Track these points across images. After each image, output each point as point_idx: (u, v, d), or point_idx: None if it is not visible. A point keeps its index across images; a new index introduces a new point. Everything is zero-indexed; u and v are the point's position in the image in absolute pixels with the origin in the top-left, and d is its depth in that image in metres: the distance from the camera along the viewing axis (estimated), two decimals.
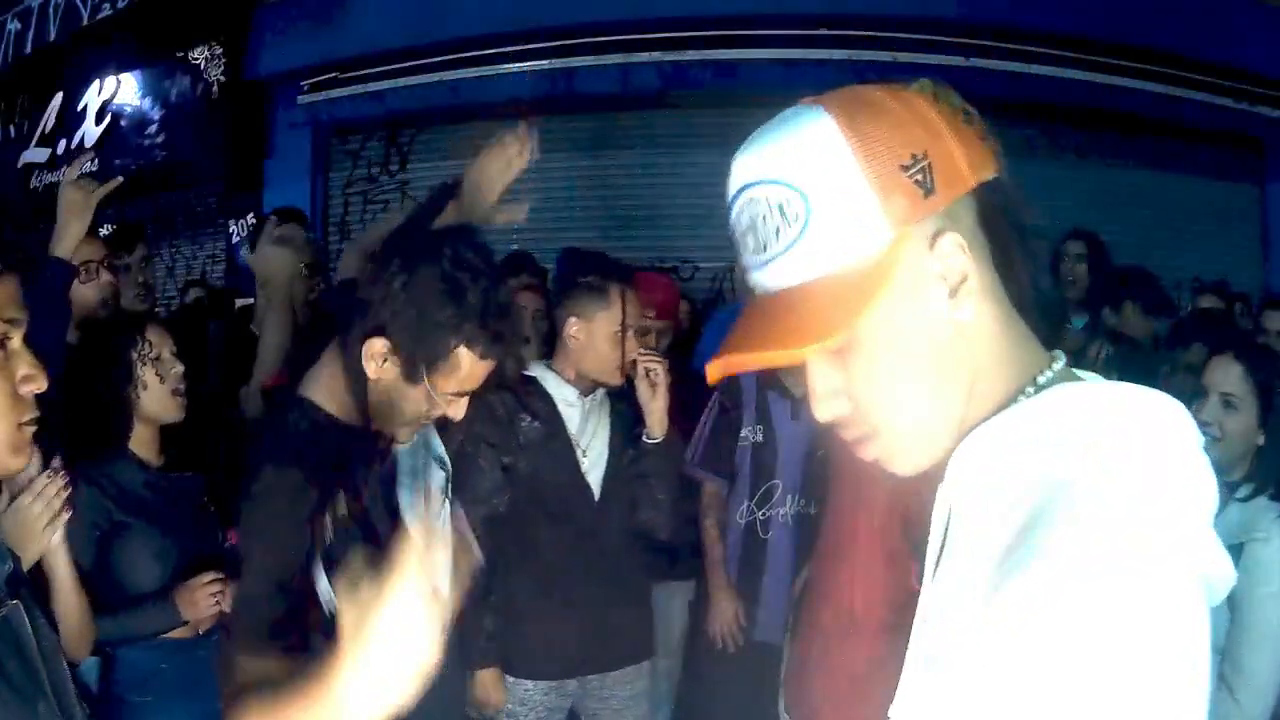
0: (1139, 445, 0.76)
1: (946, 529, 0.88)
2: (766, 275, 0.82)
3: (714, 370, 0.80)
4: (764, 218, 0.80)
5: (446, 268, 1.59)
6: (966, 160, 0.80)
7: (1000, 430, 0.82)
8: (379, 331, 1.61)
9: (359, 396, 1.68)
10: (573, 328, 2.65)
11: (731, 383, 3.14)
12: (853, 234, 0.78)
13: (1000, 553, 0.77)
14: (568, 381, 2.74)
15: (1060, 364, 0.85)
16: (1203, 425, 2.10)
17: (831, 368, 0.83)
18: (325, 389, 1.72)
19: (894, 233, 0.78)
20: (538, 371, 2.75)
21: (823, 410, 0.85)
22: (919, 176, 0.78)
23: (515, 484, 2.67)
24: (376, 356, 1.61)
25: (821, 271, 0.79)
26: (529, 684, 2.73)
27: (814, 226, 0.78)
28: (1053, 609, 0.69)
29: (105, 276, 2.84)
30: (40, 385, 1.18)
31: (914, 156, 0.78)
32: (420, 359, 1.60)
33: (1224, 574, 0.77)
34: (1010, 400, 0.83)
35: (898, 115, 0.80)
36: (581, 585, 2.74)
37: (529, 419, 2.69)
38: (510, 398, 2.66)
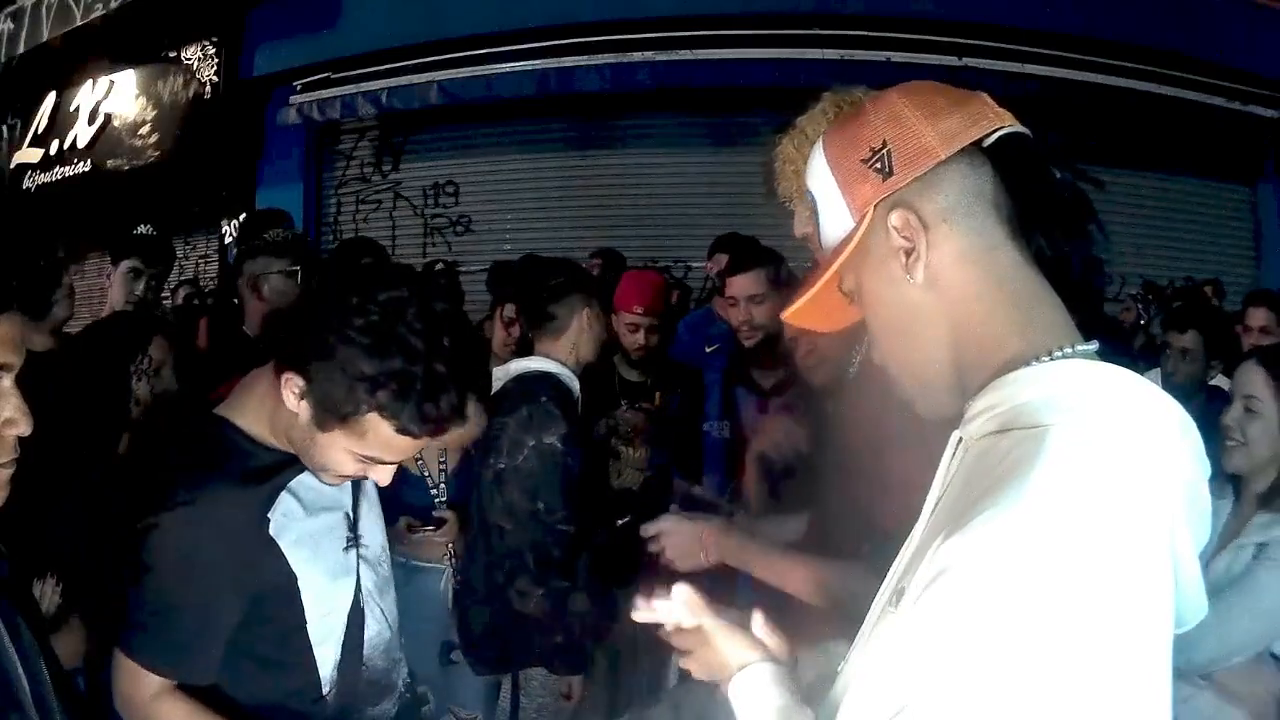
0: (1099, 430, 0.76)
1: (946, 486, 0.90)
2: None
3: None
4: (809, 204, 1.01)
5: (387, 321, 1.42)
6: (936, 135, 0.89)
7: (988, 398, 0.86)
8: (299, 366, 1.46)
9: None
10: (586, 317, 2.76)
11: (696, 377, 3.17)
12: (834, 219, 0.96)
13: (945, 522, 0.78)
14: (570, 370, 2.79)
15: (1084, 346, 0.85)
16: (1226, 430, 2.10)
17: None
18: (251, 409, 1.61)
19: (859, 215, 0.93)
20: (553, 367, 2.76)
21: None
22: (878, 164, 0.91)
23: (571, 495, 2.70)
24: (292, 391, 1.48)
25: (828, 245, 0.97)
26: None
27: (820, 217, 0.98)
28: (965, 606, 0.70)
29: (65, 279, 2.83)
30: (23, 430, 1.12)
31: (872, 149, 0.92)
32: (329, 411, 1.45)
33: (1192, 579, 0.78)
34: (1015, 368, 0.85)
35: (863, 117, 0.94)
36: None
37: (576, 416, 2.75)
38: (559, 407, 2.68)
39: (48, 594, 1.96)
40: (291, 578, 1.58)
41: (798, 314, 1.00)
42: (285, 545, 1.57)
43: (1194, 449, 0.80)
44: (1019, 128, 0.90)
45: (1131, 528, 0.71)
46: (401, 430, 1.44)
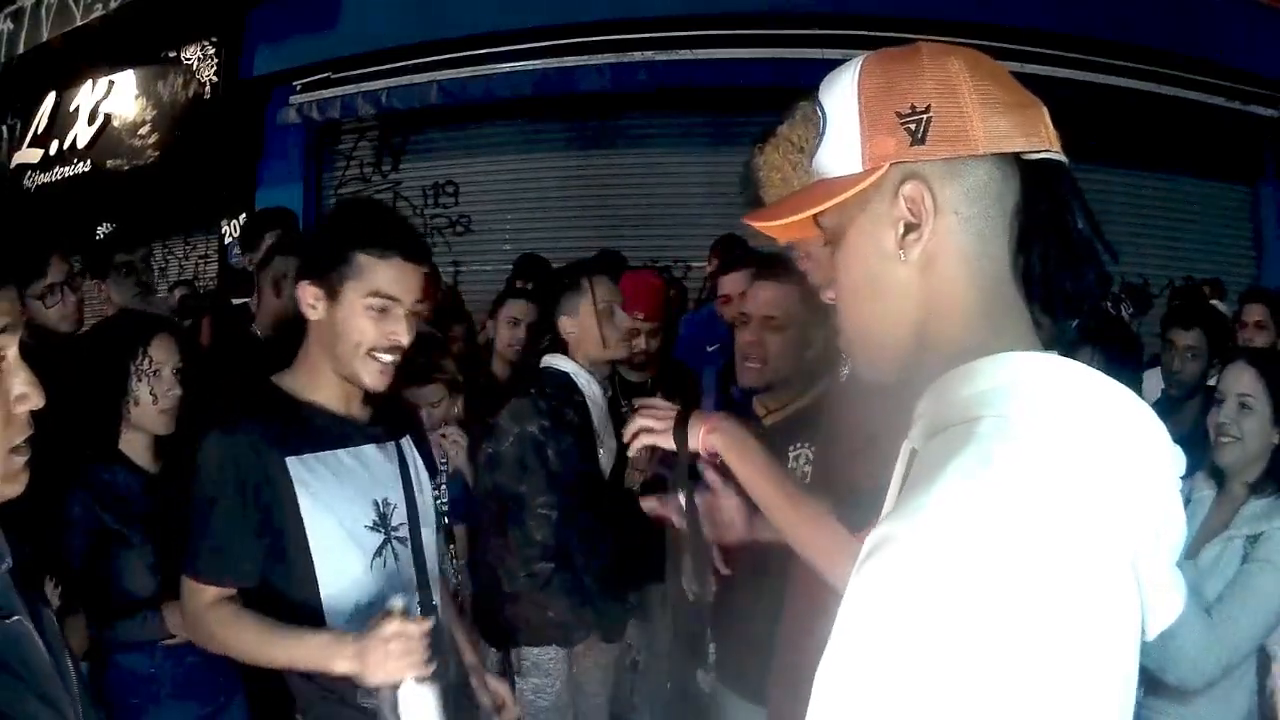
0: (1030, 423, 0.75)
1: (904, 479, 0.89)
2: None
3: (753, 223, 1.00)
4: (813, 122, 0.95)
5: (338, 211, 1.95)
6: (984, 128, 0.85)
7: (925, 401, 0.86)
8: (303, 276, 1.82)
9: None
10: (566, 325, 2.89)
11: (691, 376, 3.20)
12: (842, 154, 0.89)
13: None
14: (587, 371, 2.91)
15: (1050, 354, 0.83)
16: (1221, 428, 2.21)
17: (828, 265, 0.96)
18: (294, 370, 1.90)
19: (870, 165, 0.87)
20: (569, 366, 2.89)
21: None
22: (912, 125, 0.85)
23: (553, 482, 2.78)
24: (307, 297, 1.80)
25: (824, 174, 0.92)
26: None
27: (825, 139, 0.92)
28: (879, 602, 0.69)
29: (70, 298, 2.81)
30: (36, 403, 1.08)
31: (913, 107, 0.86)
32: (330, 275, 1.78)
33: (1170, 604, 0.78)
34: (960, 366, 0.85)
35: (917, 69, 0.88)
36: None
37: (570, 413, 2.84)
38: (552, 397, 2.82)
39: (46, 596, 1.97)
40: (301, 524, 1.78)
41: (760, 224, 0.98)
42: (302, 494, 1.78)
43: (1162, 445, 0.78)
44: (1063, 158, 0.88)
45: (1054, 531, 0.69)
46: (383, 254, 1.76)
